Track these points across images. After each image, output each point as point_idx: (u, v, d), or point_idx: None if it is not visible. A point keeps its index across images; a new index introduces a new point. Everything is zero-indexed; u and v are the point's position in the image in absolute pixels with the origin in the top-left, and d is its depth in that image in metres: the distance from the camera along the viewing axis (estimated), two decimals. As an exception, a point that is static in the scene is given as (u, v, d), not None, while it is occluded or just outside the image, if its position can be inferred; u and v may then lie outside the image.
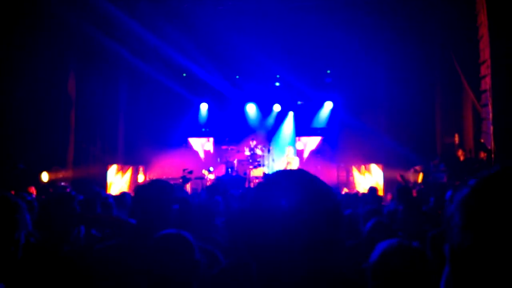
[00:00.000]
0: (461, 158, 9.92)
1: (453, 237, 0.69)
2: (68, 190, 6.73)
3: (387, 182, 11.41)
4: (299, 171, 1.02)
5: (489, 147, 8.57)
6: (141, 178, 12.55)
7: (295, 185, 0.96)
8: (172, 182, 11.28)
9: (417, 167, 10.70)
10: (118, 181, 12.16)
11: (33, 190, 8.05)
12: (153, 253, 1.91)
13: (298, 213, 0.91)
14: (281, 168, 12.28)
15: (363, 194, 8.49)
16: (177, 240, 1.93)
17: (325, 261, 0.92)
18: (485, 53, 8.90)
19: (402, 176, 8.21)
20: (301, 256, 0.90)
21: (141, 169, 12.70)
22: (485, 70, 8.95)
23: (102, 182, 11.64)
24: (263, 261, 0.92)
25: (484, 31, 8.89)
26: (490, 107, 8.54)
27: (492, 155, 8.30)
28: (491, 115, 8.45)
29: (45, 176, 10.46)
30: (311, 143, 14.27)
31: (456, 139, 10.85)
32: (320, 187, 0.98)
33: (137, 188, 2.45)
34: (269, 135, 13.43)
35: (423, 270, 1.54)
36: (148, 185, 2.38)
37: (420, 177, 10.30)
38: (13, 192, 6.64)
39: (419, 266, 1.53)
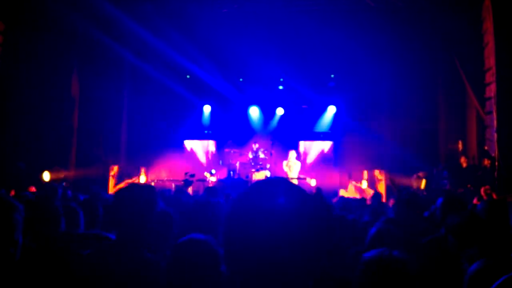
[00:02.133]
0: (464, 165, 9.87)
1: None
2: (60, 189, 6.66)
3: (389, 188, 11.36)
4: (282, 179, 1.07)
5: (492, 155, 8.53)
6: (142, 179, 12.54)
7: (279, 192, 0.99)
8: (174, 184, 11.29)
9: (420, 174, 10.64)
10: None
11: (33, 189, 8.05)
12: (176, 259, 1.78)
13: (282, 216, 0.95)
14: (284, 171, 12.25)
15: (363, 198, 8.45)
16: (203, 248, 1.80)
17: (314, 263, 0.95)
18: (490, 60, 8.88)
19: (391, 180, 8.13)
20: (289, 258, 0.93)
21: (143, 170, 12.69)
22: (490, 77, 8.93)
23: (104, 182, 11.64)
24: (252, 266, 0.94)
25: (489, 38, 8.87)
26: (494, 114, 8.51)
27: (496, 163, 8.26)
28: (495, 122, 8.42)
29: (46, 176, 10.46)
30: (314, 147, 14.22)
31: (460, 146, 10.81)
32: (302, 193, 1.02)
33: (117, 193, 2.16)
34: (272, 138, 13.40)
35: (403, 280, 1.53)
36: (129, 189, 2.16)
37: (423, 184, 10.25)
38: (13, 192, 6.64)
39: (400, 276, 1.52)
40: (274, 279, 0.93)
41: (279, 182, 1.03)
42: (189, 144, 14.25)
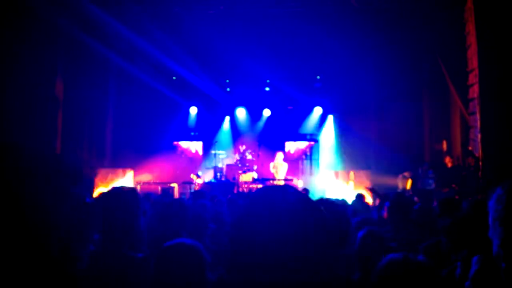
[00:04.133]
0: (449, 165, 10.00)
1: None
2: None
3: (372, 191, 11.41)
4: (285, 187, 1.08)
5: (476, 155, 8.65)
6: (129, 182, 12.40)
7: (282, 200, 1.01)
8: (160, 187, 11.18)
9: (406, 174, 10.75)
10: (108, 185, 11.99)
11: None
12: (163, 263, 1.79)
13: (285, 225, 0.96)
14: (271, 173, 12.26)
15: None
16: (190, 253, 1.81)
17: (313, 269, 0.97)
18: (473, 61, 9.01)
19: (372, 189, 7.77)
20: (289, 265, 0.94)
21: (128, 173, 12.55)
22: (473, 78, 9.05)
23: (89, 185, 11.47)
24: (253, 271, 0.95)
25: (472, 39, 9.01)
26: (478, 115, 8.63)
27: (480, 163, 8.38)
28: (479, 123, 8.54)
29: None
30: (299, 148, 14.22)
31: (444, 146, 10.95)
32: (306, 201, 1.04)
33: (99, 198, 2.19)
34: (259, 139, 13.40)
35: (431, 285, 1.51)
36: (112, 194, 2.16)
37: (409, 184, 10.35)
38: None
39: (427, 281, 1.49)
40: (279, 283, 0.94)
41: (283, 189, 1.05)
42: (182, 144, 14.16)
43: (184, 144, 14.19)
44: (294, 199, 1.01)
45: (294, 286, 0.95)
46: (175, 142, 14.07)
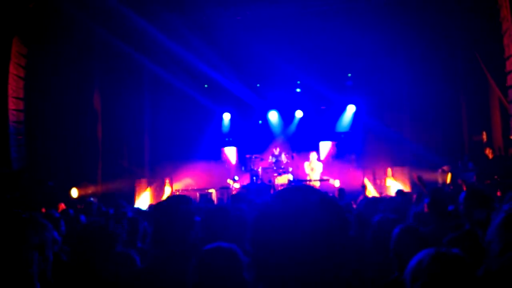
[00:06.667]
0: (490, 156, 9.64)
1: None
2: (95, 205, 6.83)
3: (414, 184, 11.17)
4: (303, 186, 1.09)
5: (519, 144, 8.31)
6: (167, 190, 12.70)
7: (300, 198, 1.03)
8: (199, 193, 11.35)
9: (445, 167, 10.43)
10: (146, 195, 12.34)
11: (63, 206, 8.24)
12: (201, 267, 1.86)
13: (304, 221, 0.98)
14: (306, 173, 12.23)
15: (391, 197, 8.33)
16: (226, 256, 1.88)
17: (337, 265, 0.98)
18: (510, 48, 8.67)
19: (419, 178, 7.75)
20: (313, 264, 0.96)
21: (167, 181, 12.85)
22: (510, 65, 8.71)
23: (131, 195, 11.81)
24: (278, 270, 0.98)
25: (508, 25, 8.67)
26: (518, 103, 8.30)
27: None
28: (519, 111, 8.21)
29: (74, 192, 10.72)
30: (324, 147, 14.01)
31: (484, 137, 10.56)
32: (325, 198, 1.04)
33: (157, 206, 2.33)
34: (292, 141, 13.37)
35: (464, 277, 1.49)
36: (167, 201, 2.32)
37: (449, 178, 10.04)
38: (43, 210, 6.84)
39: (460, 274, 1.47)
40: (299, 283, 0.96)
41: (300, 189, 1.07)
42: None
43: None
44: (313, 199, 1.02)
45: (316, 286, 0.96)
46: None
